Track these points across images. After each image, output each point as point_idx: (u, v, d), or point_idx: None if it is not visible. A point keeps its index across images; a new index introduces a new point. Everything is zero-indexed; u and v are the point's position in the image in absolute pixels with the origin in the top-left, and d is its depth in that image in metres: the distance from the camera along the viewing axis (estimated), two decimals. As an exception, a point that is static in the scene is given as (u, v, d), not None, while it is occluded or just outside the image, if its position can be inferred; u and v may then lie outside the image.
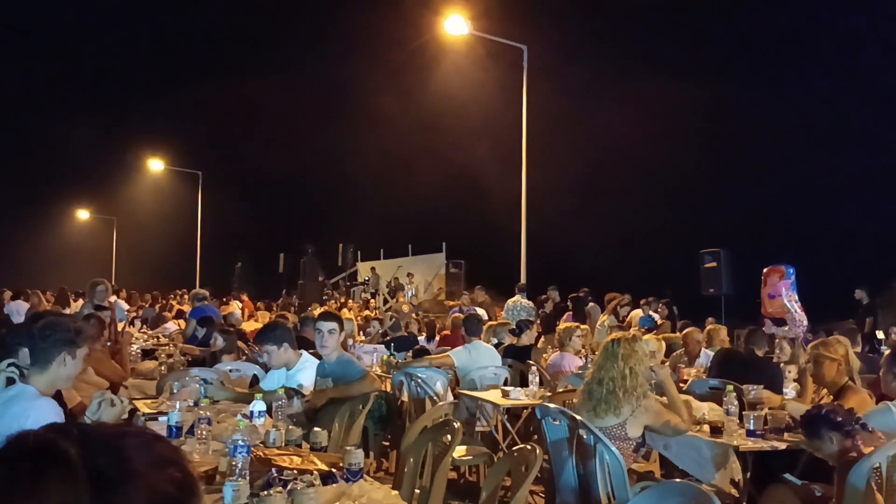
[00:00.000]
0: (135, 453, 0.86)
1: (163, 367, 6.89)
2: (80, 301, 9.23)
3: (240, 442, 2.72)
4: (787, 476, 3.66)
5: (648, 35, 21.65)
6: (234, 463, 2.70)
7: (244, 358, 6.63)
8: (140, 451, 0.86)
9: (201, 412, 3.61)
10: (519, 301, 11.91)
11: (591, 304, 12.46)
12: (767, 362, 5.81)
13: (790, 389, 5.71)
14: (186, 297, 16.69)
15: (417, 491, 3.28)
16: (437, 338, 9.94)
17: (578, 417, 3.70)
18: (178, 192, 29.91)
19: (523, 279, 13.96)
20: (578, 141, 20.23)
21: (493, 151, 19.46)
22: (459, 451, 4.91)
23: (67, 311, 10.19)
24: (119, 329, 7.77)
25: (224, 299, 17.84)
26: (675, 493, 2.54)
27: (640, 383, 3.77)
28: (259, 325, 8.61)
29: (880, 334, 10.01)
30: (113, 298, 10.13)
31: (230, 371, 5.74)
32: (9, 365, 2.95)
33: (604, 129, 20.14)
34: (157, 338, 10.91)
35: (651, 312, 11.62)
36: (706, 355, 7.13)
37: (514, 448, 3.14)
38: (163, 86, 35.06)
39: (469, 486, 5.64)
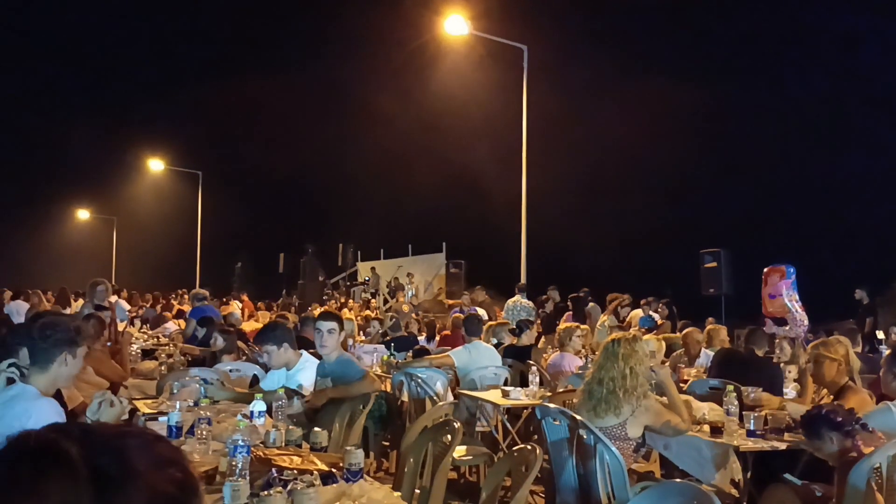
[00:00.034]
0: (136, 453, 0.86)
1: (163, 367, 6.90)
2: (81, 301, 9.23)
3: (240, 442, 2.72)
4: (787, 476, 3.66)
5: (648, 35, 21.66)
6: (234, 463, 2.70)
7: (244, 358, 6.64)
8: (141, 452, 0.86)
9: (201, 412, 3.61)
10: (519, 301, 11.91)
11: (591, 304, 12.46)
12: (767, 362, 5.81)
13: (790, 389, 5.72)
14: (187, 297, 16.70)
15: (417, 491, 3.28)
16: (437, 338, 9.94)
17: (578, 417, 3.70)
18: (178, 192, 29.93)
19: (523, 279, 13.96)
20: (578, 141, 20.24)
21: (493, 151, 19.48)
22: (459, 451, 4.91)
23: (68, 310, 10.19)
24: (121, 329, 7.78)
25: (224, 299, 17.85)
26: (675, 493, 2.55)
27: (640, 383, 3.77)
28: (259, 325, 8.61)
29: (880, 334, 10.01)
30: (114, 298, 10.14)
31: (230, 371, 5.74)
32: (9, 365, 2.96)
33: (604, 129, 20.15)
34: (157, 338, 10.91)
35: (651, 312, 11.62)
36: (706, 355, 7.13)
37: (514, 448, 3.14)
38: (163, 86, 35.14)
39: (469, 486, 5.64)
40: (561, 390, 5.64)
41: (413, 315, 13.23)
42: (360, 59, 26.81)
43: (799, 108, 18.37)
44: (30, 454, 0.83)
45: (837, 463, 3.33)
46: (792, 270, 10.83)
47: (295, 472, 2.66)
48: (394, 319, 10.26)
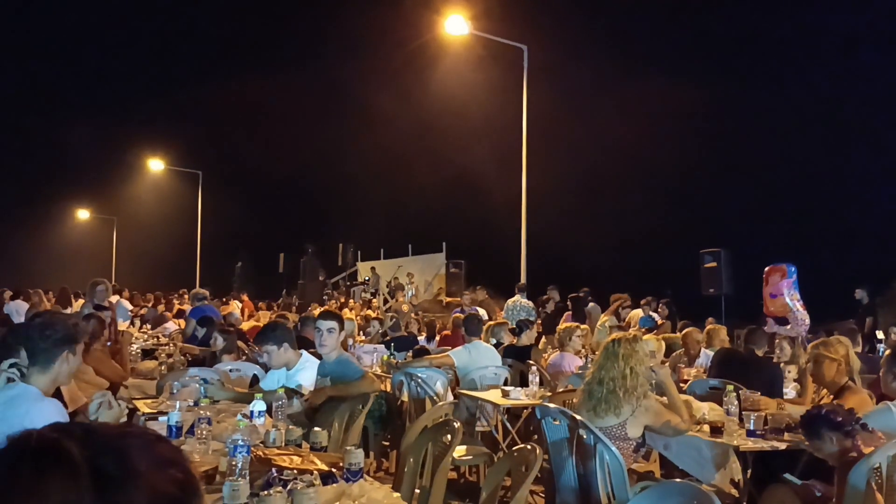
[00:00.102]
0: (137, 453, 0.86)
1: (163, 367, 6.90)
2: (82, 301, 9.23)
3: (240, 442, 2.73)
4: (787, 476, 3.66)
5: (648, 35, 21.67)
6: (234, 463, 2.70)
7: (244, 358, 6.63)
8: (142, 452, 0.87)
9: (201, 412, 3.61)
10: (519, 301, 11.91)
11: (591, 304, 12.46)
12: (767, 362, 5.81)
13: (790, 389, 5.72)
14: (187, 296, 16.70)
15: (417, 491, 3.29)
16: (437, 338, 9.94)
17: (578, 417, 3.70)
18: (178, 191, 29.93)
19: (523, 279, 13.96)
20: (578, 141, 20.25)
21: (493, 151, 19.48)
22: (459, 451, 4.91)
23: (69, 310, 10.19)
24: (124, 329, 7.79)
25: (224, 299, 17.86)
26: (675, 493, 2.55)
27: (640, 383, 3.77)
28: (259, 325, 8.61)
29: (880, 334, 10.01)
30: (115, 298, 10.15)
31: (230, 371, 5.74)
32: (11, 365, 2.96)
33: (604, 129, 20.14)
34: (157, 337, 10.91)
35: (651, 312, 11.62)
36: (706, 355, 7.13)
37: (514, 448, 3.14)
38: (163, 86, 35.13)
39: (469, 486, 5.64)
40: (561, 390, 5.64)
41: (413, 315, 13.23)
42: (360, 59, 26.83)
43: (799, 108, 18.37)
44: (31, 454, 0.83)
45: (837, 463, 3.34)
46: (793, 270, 10.81)
47: (295, 471, 2.66)
48: (394, 319, 10.26)
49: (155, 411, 4.30)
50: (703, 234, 14.70)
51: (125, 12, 34.64)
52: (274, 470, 2.69)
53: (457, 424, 3.38)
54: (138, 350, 8.82)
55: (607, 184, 20.38)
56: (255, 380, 5.50)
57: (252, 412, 3.77)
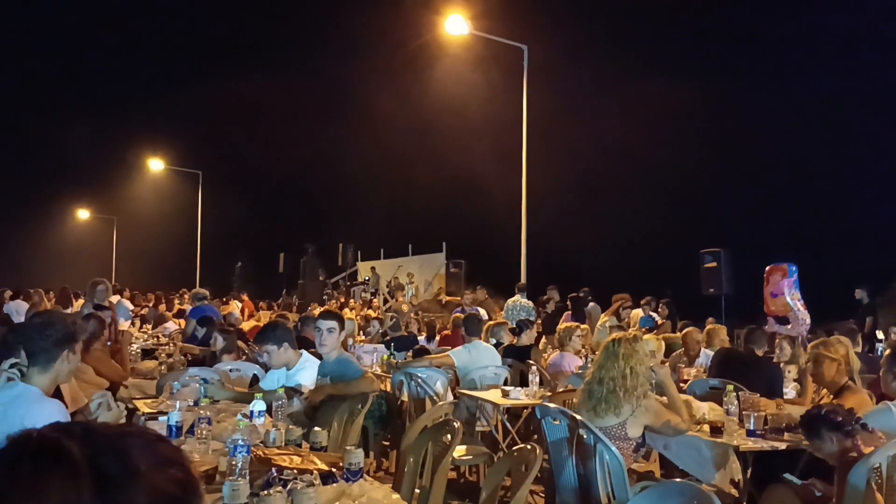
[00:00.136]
0: (137, 453, 0.86)
1: (163, 367, 6.90)
2: (82, 300, 9.23)
3: (240, 442, 2.73)
4: (787, 476, 3.66)
5: (648, 35, 21.68)
6: (234, 462, 2.70)
7: (244, 358, 6.63)
8: (143, 451, 0.87)
9: (201, 412, 3.62)
10: (519, 301, 11.91)
11: (591, 304, 12.45)
12: (767, 362, 5.81)
13: (790, 389, 5.72)
14: (187, 296, 16.71)
15: (417, 491, 3.29)
16: (437, 338, 9.94)
17: (578, 417, 3.70)
18: (178, 191, 29.93)
19: (523, 279, 13.95)
20: (578, 141, 20.24)
21: (493, 152, 19.48)
22: (459, 451, 4.91)
23: (70, 310, 10.18)
24: (125, 328, 7.79)
25: (224, 299, 17.85)
26: (675, 493, 2.55)
27: (640, 383, 3.77)
28: (259, 325, 8.61)
29: (880, 334, 10.02)
30: (115, 298, 10.14)
31: (230, 371, 5.74)
32: (11, 365, 2.96)
33: (604, 129, 20.15)
34: (157, 337, 10.91)
35: (651, 312, 11.61)
36: (706, 355, 7.13)
37: (514, 448, 3.14)
38: (163, 86, 35.18)
39: (469, 486, 5.64)
40: (561, 390, 5.64)
41: (413, 315, 13.24)
42: (360, 59, 26.83)
43: (799, 108, 18.37)
44: (31, 453, 0.83)
45: (837, 463, 3.34)
46: (794, 269, 10.82)
47: (295, 471, 2.66)
48: (394, 319, 10.25)
49: (155, 411, 4.30)
50: (703, 234, 14.71)
51: (125, 12, 34.72)
52: (274, 470, 2.69)
53: (457, 424, 3.38)
54: (138, 350, 8.81)
55: (607, 184, 20.39)
56: (255, 379, 5.50)
57: (252, 412, 3.77)
